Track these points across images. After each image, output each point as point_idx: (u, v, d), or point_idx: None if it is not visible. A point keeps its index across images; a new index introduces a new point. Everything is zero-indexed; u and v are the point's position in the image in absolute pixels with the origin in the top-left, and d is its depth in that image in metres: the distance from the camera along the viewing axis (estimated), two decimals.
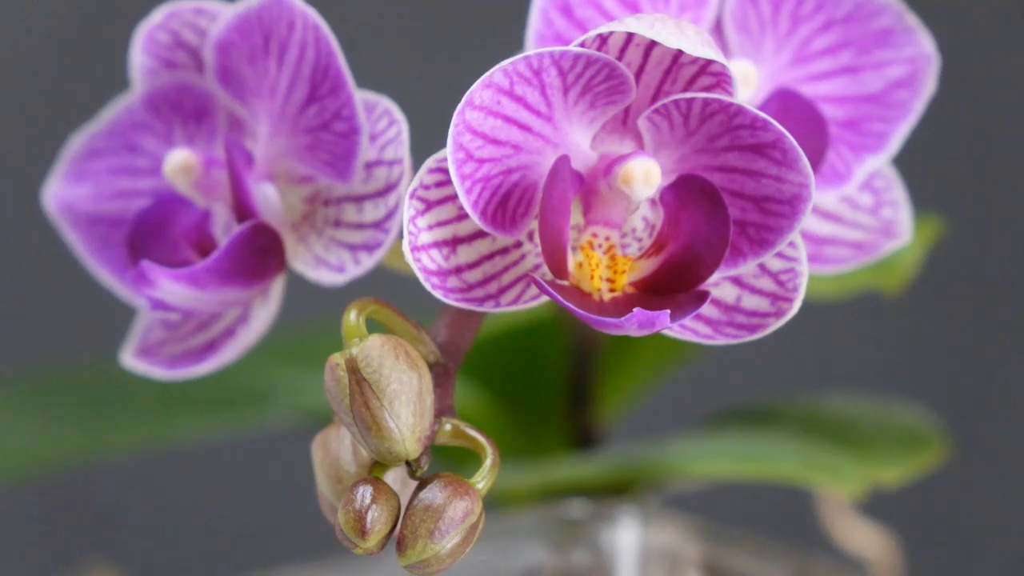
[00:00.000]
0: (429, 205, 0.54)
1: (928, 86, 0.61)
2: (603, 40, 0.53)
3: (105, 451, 0.91)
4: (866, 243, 0.62)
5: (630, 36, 0.53)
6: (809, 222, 0.61)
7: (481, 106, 0.53)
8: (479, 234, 0.54)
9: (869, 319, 1.30)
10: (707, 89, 0.54)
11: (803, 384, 1.27)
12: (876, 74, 0.61)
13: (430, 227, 0.54)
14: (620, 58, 0.53)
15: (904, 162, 0.62)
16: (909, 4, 0.61)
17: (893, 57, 0.61)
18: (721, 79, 0.54)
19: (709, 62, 0.53)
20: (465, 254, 0.54)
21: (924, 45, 0.61)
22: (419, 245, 0.54)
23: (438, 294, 0.54)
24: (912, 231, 0.62)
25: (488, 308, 0.54)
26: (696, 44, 0.52)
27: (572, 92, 0.53)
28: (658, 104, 0.53)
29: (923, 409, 0.83)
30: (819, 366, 1.32)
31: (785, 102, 0.59)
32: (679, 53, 0.53)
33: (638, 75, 0.54)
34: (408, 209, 0.53)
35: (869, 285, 0.77)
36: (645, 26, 0.52)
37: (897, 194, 0.62)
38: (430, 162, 0.54)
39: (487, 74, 0.52)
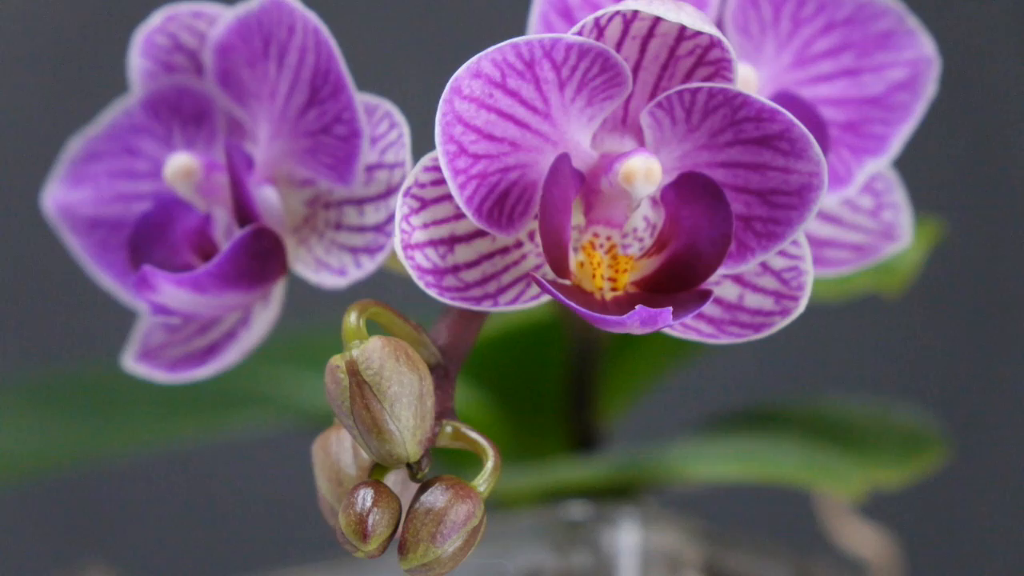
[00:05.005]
0: (425, 203, 0.54)
1: (929, 89, 0.61)
2: (600, 33, 0.53)
3: (106, 453, 0.91)
4: (867, 246, 0.62)
5: (626, 30, 0.53)
6: (810, 224, 0.61)
7: (471, 97, 0.52)
8: (478, 233, 0.54)
9: (869, 321, 1.30)
10: (706, 80, 0.53)
11: (803, 386, 1.27)
12: (877, 77, 0.61)
13: (425, 225, 0.54)
14: (616, 53, 0.53)
15: (905, 165, 0.62)
16: (910, 6, 0.61)
17: (894, 60, 0.61)
18: (720, 66, 0.53)
19: (706, 51, 0.53)
20: (463, 253, 0.54)
21: (925, 48, 0.61)
22: (412, 243, 0.53)
23: (433, 292, 0.53)
24: (913, 234, 0.62)
25: (485, 307, 0.54)
26: (696, 20, 0.52)
27: (569, 87, 0.53)
28: (660, 97, 0.53)
29: (923, 411, 0.83)
30: (819, 368, 1.32)
31: (785, 105, 0.59)
32: (676, 45, 0.53)
33: (635, 71, 0.54)
34: (401, 207, 0.53)
35: (869, 287, 0.77)
36: (643, 4, 0.52)
37: (898, 197, 0.62)
38: (425, 160, 0.54)
39: (473, 61, 0.52)
